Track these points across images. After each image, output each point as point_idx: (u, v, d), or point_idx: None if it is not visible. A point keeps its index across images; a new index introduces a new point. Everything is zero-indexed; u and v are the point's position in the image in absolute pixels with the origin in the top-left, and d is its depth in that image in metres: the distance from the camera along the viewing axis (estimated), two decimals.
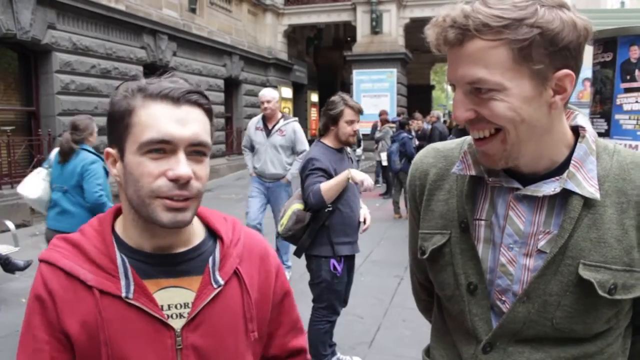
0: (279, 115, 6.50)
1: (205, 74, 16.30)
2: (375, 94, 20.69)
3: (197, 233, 1.23)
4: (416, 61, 26.28)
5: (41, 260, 1.16)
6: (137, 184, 1.07)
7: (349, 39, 27.29)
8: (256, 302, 1.24)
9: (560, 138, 1.15)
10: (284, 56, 23.00)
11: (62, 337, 1.10)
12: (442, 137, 12.05)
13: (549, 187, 1.13)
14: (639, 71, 3.86)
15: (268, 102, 6.28)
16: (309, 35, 27.18)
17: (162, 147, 1.06)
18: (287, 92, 23.42)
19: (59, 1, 10.32)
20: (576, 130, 1.18)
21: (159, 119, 1.07)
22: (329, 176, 3.66)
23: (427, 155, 1.38)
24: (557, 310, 1.13)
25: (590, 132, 1.17)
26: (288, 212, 3.74)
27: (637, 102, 3.88)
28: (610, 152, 1.17)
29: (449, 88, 47.46)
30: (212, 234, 1.26)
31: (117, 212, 1.23)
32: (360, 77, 21.21)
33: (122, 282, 1.11)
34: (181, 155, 1.07)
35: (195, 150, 1.09)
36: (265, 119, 6.46)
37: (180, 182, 1.06)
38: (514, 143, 1.09)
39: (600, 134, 4.04)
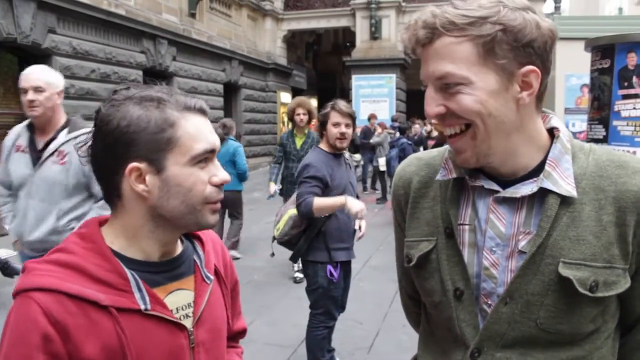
0: (60, 118, 3.21)
1: (205, 79, 16.32)
2: (374, 99, 20.71)
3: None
4: (415, 66, 26.29)
5: (29, 289, 1.03)
6: (190, 194, 1.12)
7: (348, 44, 27.32)
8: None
9: (533, 138, 1.18)
10: (283, 61, 23.03)
11: None
12: (438, 144, 12.08)
13: (527, 188, 1.16)
14: (636, 78, 3.88)
15: (36, 90, 3.04)
16: (308, 41, 27.19)
17: (209, 157, 1.15)
18: (287, 97, 23.42)
19: (60, 6, 10.34)
20: (552, 133, 1.21)
21: (203, 130, 1.15)
22: (324, 184, 3.66)
23: (409, 164, 1.42)
24: (540, 310, 1.14)
25: (564, 132, 1.20)
26: (285, 217, 3.75)
27: (634, 108, 3.90)
28: (587, 151, 1.20)
29: None
30: (186, 235, 1.32)
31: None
32: (359, 83, 21.23)
33: (137, 296, 1.11)
34: (217, 161, 1.18)
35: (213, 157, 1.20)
36: (33, 129, 3.23)
37: (222, 186, 1.17)
38: (484, 139, 1.12)
39: (598, 140, 4.06)
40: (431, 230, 1.29)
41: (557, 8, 20.54)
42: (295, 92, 24.75)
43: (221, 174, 1.16)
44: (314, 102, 27.59)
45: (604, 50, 4.07)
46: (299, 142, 6.75)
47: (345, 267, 3.94)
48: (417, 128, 14.01)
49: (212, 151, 1.15)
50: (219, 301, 1.30)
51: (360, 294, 5.83)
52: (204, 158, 1.13)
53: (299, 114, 6.63)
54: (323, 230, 3.71)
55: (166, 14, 14.48)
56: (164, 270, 1.19)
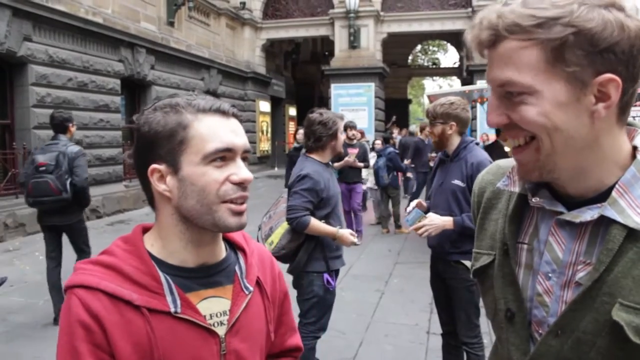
0: None
1: (184, 88, 16.21)
2: (353, 107, 20.76)
3: (222, 245, 1.32)
4: (393, 75, 26.53)
5: (74, 286, 1.14)
6: (203, 193, 1.14)
7: (326, 53, 27.47)
8: (271, 305, 1.36)
9: (610, 156, 1.03)
10: (262, 70, 23.02)
11: None
12: (415, 151, 12.13)
13: (590, 214, 1.02)
14: None
15: None
16: (287, 50, 27.24)
17: (224, 155, 1.15)
18: (265, 106, 23.40)
19: (36, 13, 10.19)
20: None
21: (219, 130, 1.16)
22: (319, 199, 3.66)
23: (488, 172, 1.34)
24: (592, 351, 1.01)
25: None
26: (279, 230, 3.69)
27: None
28: None
29: (426, 102, 47.94)
30: (231, 246, 1.35)
31: (143, 233, 1.28)
32: (338, 92, 21.29)
33: (169, 299, 1.16)
34: (240, 161, 1.18)
35: (244, 157, 1.20)
36: None
37: (244, 185, 1.17)
38: (549, 153, 1.00)
39: None
40: (492, 244, 1.22)
41: None
42: (274, 101, 24.76)
43: (242, 173, 1.16)
44: (292, 111, 27.69)
45: None
46: None
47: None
48: (393, 137, 13.92)
49: (227, 150, 1.15)
50: (259, 313, 1.31)
51: (342, 303, 5.80)
52: (220, 157, 1.15)
53: None
54: (321, 240, 3.70)
55: (144, 22, 14.38)
56: (199, 277, 1.23)
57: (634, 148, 1.05)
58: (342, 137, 3.86)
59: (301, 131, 8.41)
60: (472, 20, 1.05)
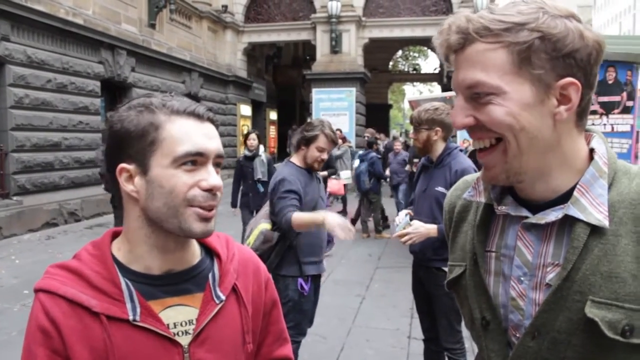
0: None
1: (164, 90, 15.97)
2: (334, 112, 20.78)
3: (196, 251, 1.27)
4: (374, 80, 26.61)
5: (38, 290, 1.14)
6: (170, 195, 1.12)
7: (308, 57, 27.46)
8: (252, 314, 1.30)
9: (569, 158, 1.07)
10: (243, 74, 22.96)
11: None
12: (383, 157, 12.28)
13: (554, 214, 1.05)
14: (595, 95, 3.97)
15: None
16: (268, 54, 27.21)
17: (195, 159, 1.13)
18: (246, 109, 23.33)
19: (14, 13, 10.03)
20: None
21: (191, 133, 1.13)
22: (300, 198, 3.65)
23: (456, 189, 1.36)
24: (567, 349, 1.03)
25: (601, 153, 1.09)
26: (255, 232, 3.71)
27: (593, 124, 4.00)
28: (632, 175, 1.07)
29: (406, 107, 48.16)
30: (208, 251, 1.30)
31: (113, 238, 1.25)
32: (319, 96, 21.30)
33: (128, 306, 1.14)
34: (211, 167, 1.15)
35: (217, 163, 1.17)
36: None
37: (213, 192, 1.14)
38: (515, 155, 1.03)
39: None
40: (463, 255, 1.24)
41: None
42: (255, 104, 24.69)
43: (212, 180, 1.13)
44: (273, 115, 27.66)
45: None
46: None
47: (316, 281, 3.94)
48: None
49: (198, 154, 1.12)
50: (232, 323, 1.25)
51: (323, 308, 5.77)
52: (191, 161, 1.12)
53: None
54: (294, 244, 3.70)
55: (125, 24, 14.26)
56: (163, 284, 1.19)
57: (591, 150, 1.10)
58: (316, 152, 3.74)
59: (253, 136, 8.29)
60: (439, 27, 1.09)
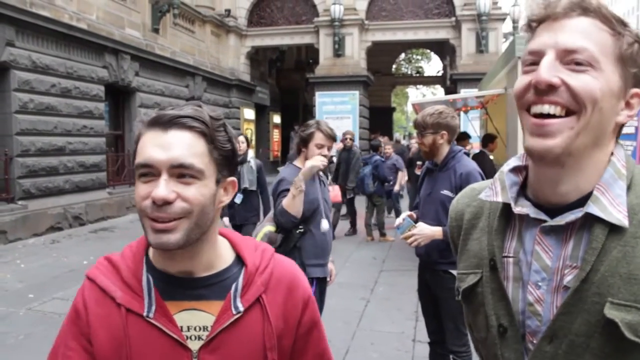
0: None
1: (168, 95, 16.15)
2: (337, 115, 20.83)
3: (223, 259, 1.27)
4: (377, 83, 26.64)
5: (87, 276, 1.27)
6: (137, 206, 1.16)
7: (311, 61, 27.53)
8: (280, 331, 1.25)
9: (599, 162, 1.08)
10: (246, 77, 23.01)
11: (89, 347, 1.19)
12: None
13: (575, 215, 1.05)
14: None
15: None
16: (271, 57, 27.25)
17: (149, 171, 1.12)
18: (250, 113, 23.38)
19: (19, 18, 10.10)
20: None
21: (146, 144, 1.14)
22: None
23: (463, 196, 1.35)
24: (585, 353, 1.02)
25: (619, 156, 1.09)
26: (259, 235, 3.71)
27: None
28: None
29: (409, 110, 47.98)
30: (240, 260, 1.29)
31: None
32: (322, 99, 21.35)
33: (145, 302, 1.19)
34: (162, 178, 1.11)
35: (180, 173, 1.12)
36: None
37: (157, 204, 1.10)
38: (583, 128, 1.02)
39: None
40: (478, 262, 1.22)
41: (515, 28, 21.08)
42: (259, 108, 24.74)
43: (156, 191, 1.10)
44: (277, 119, 27.68)
45: None
46: None
47: (321, 285, 3.93)
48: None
49: (145, 165, 1.12)
50: (252, 336, 1.22)
51: (327, 311, 5.74)
52: (145, 173, 1.13)
53: None
54: (298, 246, 3.70)
55: (129, 28, 14.31)
56: (179, 286, 1.21)
57: (610, 153, 1.11)
58: (315, 150, 3.78)
59: (241, 139, 7.10)
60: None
